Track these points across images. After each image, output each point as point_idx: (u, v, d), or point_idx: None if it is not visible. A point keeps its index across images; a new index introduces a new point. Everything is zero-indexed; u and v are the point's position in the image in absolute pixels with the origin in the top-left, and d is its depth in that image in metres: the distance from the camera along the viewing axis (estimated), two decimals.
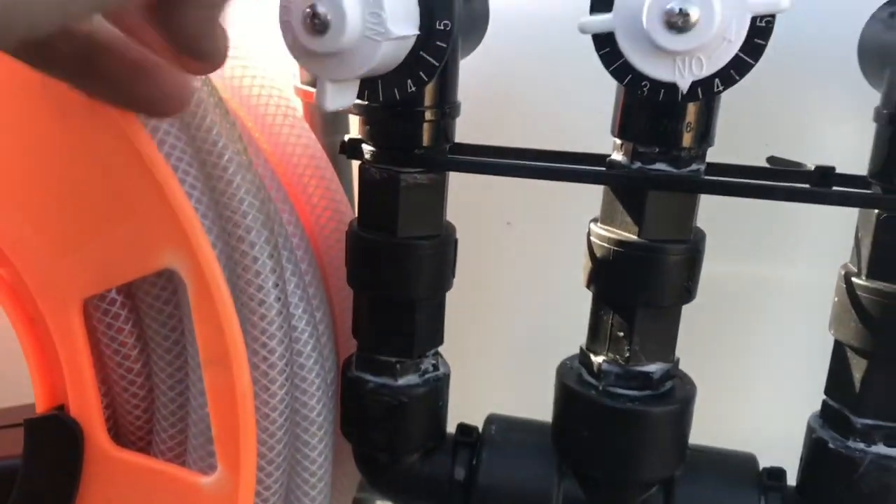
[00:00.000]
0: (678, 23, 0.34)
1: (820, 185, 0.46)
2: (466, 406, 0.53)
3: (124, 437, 0.46)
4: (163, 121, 0.40)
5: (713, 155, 0.46)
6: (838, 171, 0.45)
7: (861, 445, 0.44)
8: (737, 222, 0.52)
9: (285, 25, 0.38)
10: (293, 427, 0.46)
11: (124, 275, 0.41)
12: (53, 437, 0.44)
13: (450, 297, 0.49)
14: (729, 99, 0.54)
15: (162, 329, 0.43)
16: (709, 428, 0.49)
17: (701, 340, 0.49)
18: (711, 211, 0.46)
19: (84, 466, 0.45)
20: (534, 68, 0.53)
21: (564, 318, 0.52)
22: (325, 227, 0.51)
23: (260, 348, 0.42)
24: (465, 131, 0.48)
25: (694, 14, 0.34)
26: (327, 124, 0.54)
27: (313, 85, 0.52)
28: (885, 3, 0.45)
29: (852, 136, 0.47)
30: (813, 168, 0.46)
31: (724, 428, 0.50)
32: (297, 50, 0.38)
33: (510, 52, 0.53)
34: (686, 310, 0.46)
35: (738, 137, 0.54)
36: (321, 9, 0.36)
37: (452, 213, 0.49)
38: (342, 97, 0.39)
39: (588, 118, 0.46)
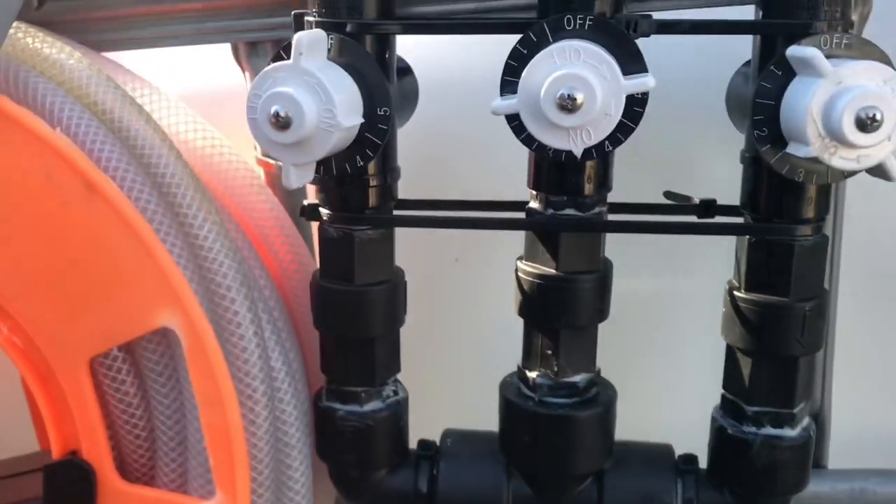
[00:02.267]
0: (568, 105, 0.43)
1: (704, 216, 0.55)
2: (426, 424, 0.61)
3: (130, 473, 0.53)
4: (149, 203, 0.48)
5: (622, 194, 0.55)
6: (722, 202, 0.55)
7: (753, 429, 0.54)
8: (645, 244, 0.61)
9: (253, 122, 0.46)
10: (277, 453, 0.53)
11: (126, 334, 0.49)
12: (70, 479, 0.51)
13: (406, 328, 0.57)
14: (633, 148, 0.64)
15: (160, 378, 0.51)
16: (632, 425, 0.58)
17: (620, 350, 0.58)
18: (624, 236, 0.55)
19: (97, 502, 0.52)
20: (462, 132, 0.62)
21: (505, 341, 0.60)
22: (292, 277, 0.58)
23: (245, 388, 0.50)
24: (410, 187, 0.57)
25: (580, 98, 0.43)
26: (286, 189, 0.61)
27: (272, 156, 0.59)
28: (744, 63, 0.55)
29: (732, 171, 0.56)
30: (698, 201, 0.56)
31: (645, 424, 0.59)
32: (264, 141, 0.46)
33: (441, 119, 0.62)
34: (605, 325, 0.55)
35: (641, 178, 0.63)
36: (283, 110, 0.44)
37: (407, 253, 0.57)
38: (304, 176, 0.47)
39: (508, 171, 0.55)
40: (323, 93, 0.45)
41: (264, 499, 0.51)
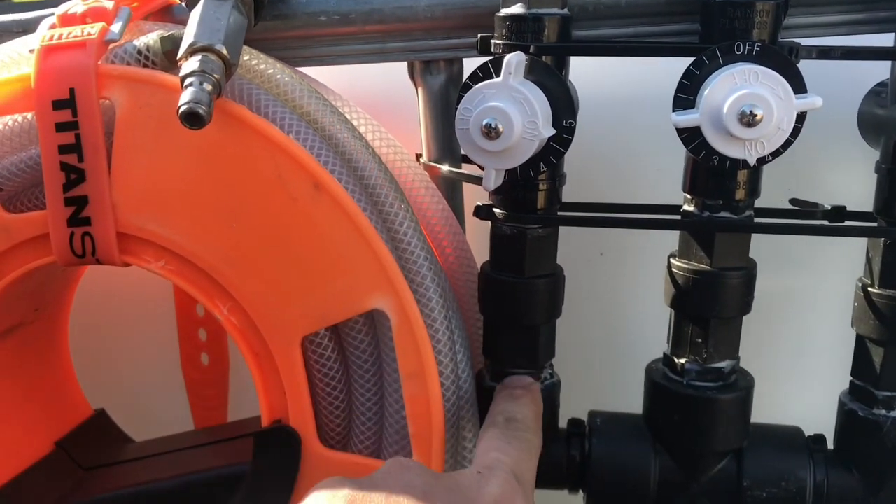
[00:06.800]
0: (749, 120, 0.49)
1: (835, 221, 0.61)
2: (570, 405, 0.67)
3: (326, 439, 0.59)
4: (360, 201, 0.55)
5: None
6: (849, 208, 0.61)
7: (883, 411, 0.59)
8: (780, 248, 0.67)
9: (464, 132, 0.52)
10: (457, 423, 0.60)
11: (339, 316, 0.56)
12: (278, 443, 0.58)
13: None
14: None
15: (362, 355, 0.58)
16: (764, 409, 0.64)
17: (756, 341, 0.64)
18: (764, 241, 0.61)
19: (300, 465, 0.58)
20: (619, 141, 0.69)
21: (642, 330, 0.66)
22: (456, 270, 0.65)
23: (437, 364, 0.56)
24: (573, 190, 0.63)
25: (759, 113, 0.49)
26: (447, 190, 0.68)
27: (437, 162, 0.66)
28: (878, 83, 0.61)
29: (858, 180, 0.62)
30: (829, 207, 0.62)
31: (776, 408, 0.65)
32: (472, 149, 0.53)
33: (601, 130, 0.69)
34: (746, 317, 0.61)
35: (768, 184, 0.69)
36: (494, 122, 0.51)
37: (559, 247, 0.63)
38: (500, 179, 0.54)
39: (658, 176, 0.62)
40: (528, 106, 0.51)
41: (448, 464, 0.58)
